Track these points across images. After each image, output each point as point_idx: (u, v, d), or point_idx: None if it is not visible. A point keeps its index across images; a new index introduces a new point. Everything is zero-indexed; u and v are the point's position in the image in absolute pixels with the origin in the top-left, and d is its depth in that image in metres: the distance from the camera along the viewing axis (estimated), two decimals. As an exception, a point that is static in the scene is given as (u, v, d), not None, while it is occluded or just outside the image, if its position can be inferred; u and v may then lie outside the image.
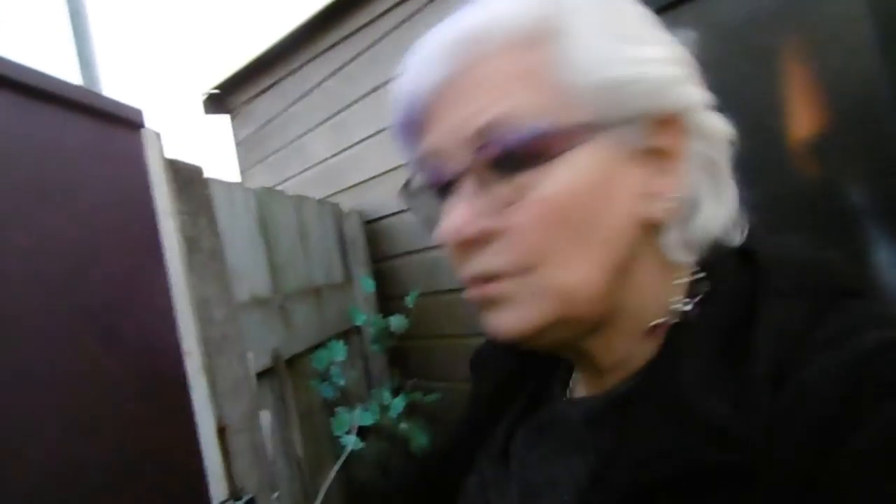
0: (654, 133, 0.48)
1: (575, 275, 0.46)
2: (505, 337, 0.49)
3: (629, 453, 0.45)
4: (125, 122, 1.32)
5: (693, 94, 0.50)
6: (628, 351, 0.51)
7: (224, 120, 3.74)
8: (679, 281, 0.51)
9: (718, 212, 0.51)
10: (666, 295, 0.50)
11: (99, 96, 1.25)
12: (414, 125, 0.51)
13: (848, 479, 0.36)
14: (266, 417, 1.81)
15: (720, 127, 0.52)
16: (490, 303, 0.48)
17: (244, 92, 3.49)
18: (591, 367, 0.54)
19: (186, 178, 1.52)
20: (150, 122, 1.38)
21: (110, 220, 1.22)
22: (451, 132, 0.48)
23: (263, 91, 3.37)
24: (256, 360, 1.85)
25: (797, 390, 0.40)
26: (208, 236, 1.57)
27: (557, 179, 0.46)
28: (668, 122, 0.49)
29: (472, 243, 0.48)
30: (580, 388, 0.59)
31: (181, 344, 1.37)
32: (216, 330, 1.51)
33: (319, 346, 2.29)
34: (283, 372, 2.01)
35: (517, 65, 0.46)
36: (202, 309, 1.46)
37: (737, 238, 0.52)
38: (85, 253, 1.13)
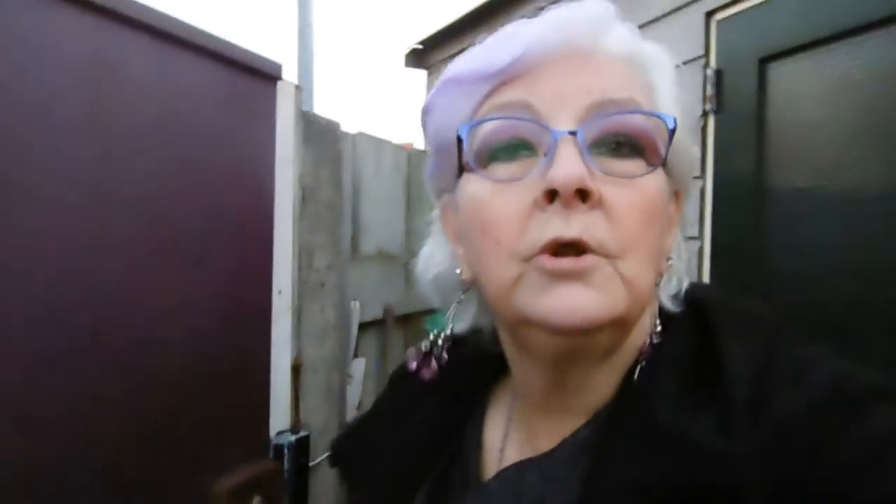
0: (671, 198, 0.53)
1: (647, 276, 0.48)
2: (574, 317, 0.46)
3: (612, 487, 0.45)
4: (262, 75, 1.45)
5: (692, 181, 0.55)
6: (602, 391, 0.52)
7: (421, 75, 3.89)
8: (659, 325, 0.53)
9: (682, 272, 0.56)
10: (647, 330, 0.53)
11: (239, 49, 1.38)
12: (511, 72, 0.49)
13: (825, 488, 0.40)
14: (361, 364, 1.93)
15: (686, 215, 0.57)
16: (573, 276, 0.46)
17: (442, 51, 3.59)
18: (555, 409, 0.54)
19: (319, 131, 1.63)
20: (316, 77, 1.51)
21: (223, 162, 1.36)
22: (575, 90, 0.47)
23: (457, 52, 3.45)
24: (368, 311, 1.97)
25: (776, 419, 0.43)
26: (329, 188, 1.68)
27: (654, 182, 0.48)
28: (677, 195, 0.54)
29: (580, 199, 0.46)
30: (513, 452, 0.56)
31: (273, 283, 1.50)
32: (315, 276, 1.63)
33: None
34: (392, 326, 2.12)
35: (634, 76, 0.50)
36: (304, 255, 1.58)
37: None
38: (186, 186, 1.28)
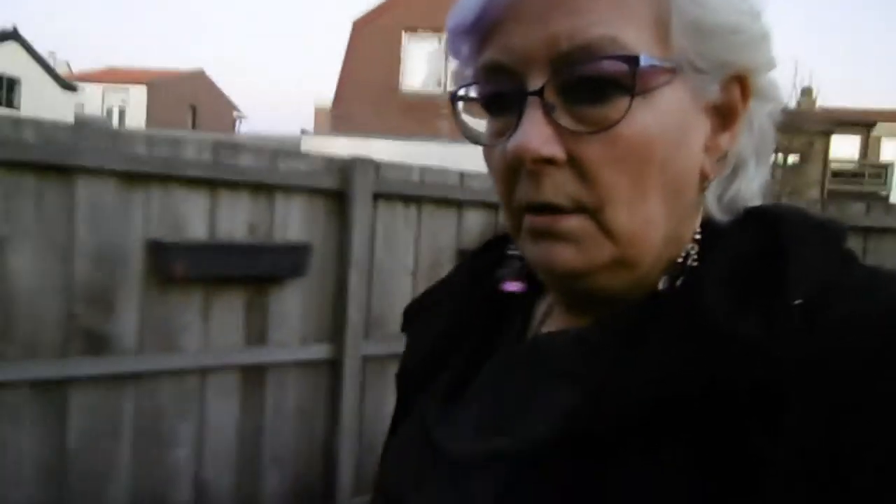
0: (727, 87, 0.48)
1: (642, 218, 0.46)
2: (558, 271, 0.48)
3: (642, 370, 0.44)
4: None
5: (769, 53, 0.50)
6: (639, 286, 0.50)
7: None
8: (699, 233, 0.51)
9: (757, 176, 0.52)
10: (686, 242, 0.50)
11: None
12: (486, 25, 0.47)
13: (883, 419, 0.37)
14: None
15: (776, 91, 0.52)
16: (550, 235, 0.47)
17: None
18: (591, 305, 0.52)
19: None
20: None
21: None
22: (535, 46, 0.45)
23: None
24: None
25: (835, 325, 0.41)
26: None
27: (642, 118, 0.45)
28: (740, 78, 0.48)
29: (541, 166, 0.46)
30: (552, 326, 0.56)
31: None
32: None
33: None
34: None
35: None
36: None
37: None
38: None
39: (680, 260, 0.49)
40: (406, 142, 10.55)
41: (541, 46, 0.45)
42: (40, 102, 21.32)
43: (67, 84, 25.04)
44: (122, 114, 29.96)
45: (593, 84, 0.44)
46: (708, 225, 0.50)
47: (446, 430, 0.54)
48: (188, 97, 32.25)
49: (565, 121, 0.45)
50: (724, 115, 0.49)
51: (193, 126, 29.74)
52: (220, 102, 35.35)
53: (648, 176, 0.45)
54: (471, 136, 0.52)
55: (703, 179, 0.49)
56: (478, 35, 0.48)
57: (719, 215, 0.51)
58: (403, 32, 14.37)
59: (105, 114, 28.65)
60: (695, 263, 0.49)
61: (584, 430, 0.44)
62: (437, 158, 4.84)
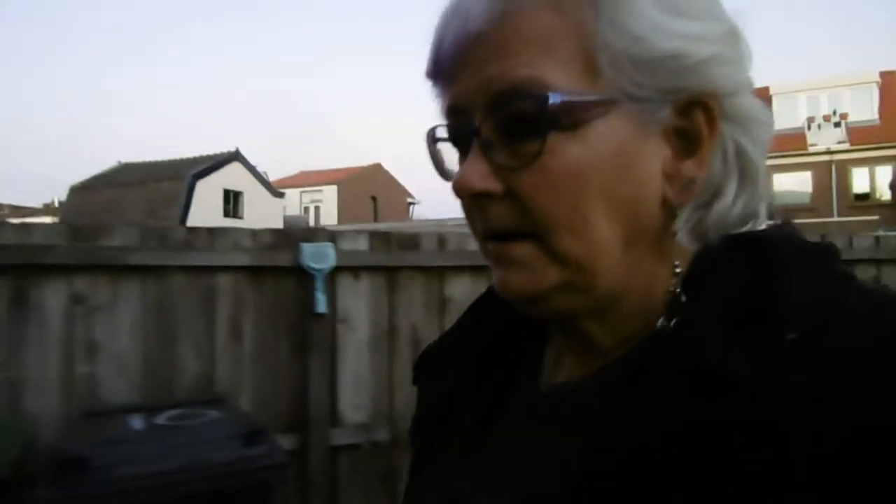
0: (686, 113, 0.49)
1: (588, 243, 0.48)
2: (512, 296, 0.51)
3: (639, 416, 0.45)
4: None
5: (733, 76, 0.50)
6: (627, 333, 0.51)
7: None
8: (679, 266, 0.51)
9: (738, 202, 0.51)
10: (668, 277, 0.51)
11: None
12: (443, 73, 0.51)
13: (884, 443, 0.38)
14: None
15: (757, 114, 0.51)
16: (502, 260, 0.51)
17: None
18: (584, 349, 0.54)
19: None
20: None
21: None
22: (475, 89, 0.49)
23: None
24: None
25: (828, 355, 0.41)
26: None
27: (570, 150, 0.46)
28: (701, 102, 0.48)
29: (482, 198, 0.49)
30: (561, 373, 0.57)
31: None
32: None
33: None
34: None
35: (558, 21, 0.47)
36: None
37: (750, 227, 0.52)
38: None
39: (669, 293, 0.50)
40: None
41: (479, 89, 0.49)
42: (257, 210, 24.79)
43: (276, 192, 28.79)
44: (317, 211, 33.85)
45: (519, 121, 0.48)
46: (692, 255, 0.51)
47: (469, 481, 0.56)
48: (370, 190, 35.47)
49: (500, 157, 0.49)
50: (687, 141, 0.49)
51: (375, 216, 32.56)
52: (397, 191, 38.39)
53: (586, 204, 0.47)
54: (441, 174, 0.56)
55: (669, 207, 0.50)
56: (442, 81, 0.52)
57: (690, 243, 0.51)
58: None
59: (303, 212, 32.57)
60: (682, 298, 0.49)
61: (591, 480, 0.45)
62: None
